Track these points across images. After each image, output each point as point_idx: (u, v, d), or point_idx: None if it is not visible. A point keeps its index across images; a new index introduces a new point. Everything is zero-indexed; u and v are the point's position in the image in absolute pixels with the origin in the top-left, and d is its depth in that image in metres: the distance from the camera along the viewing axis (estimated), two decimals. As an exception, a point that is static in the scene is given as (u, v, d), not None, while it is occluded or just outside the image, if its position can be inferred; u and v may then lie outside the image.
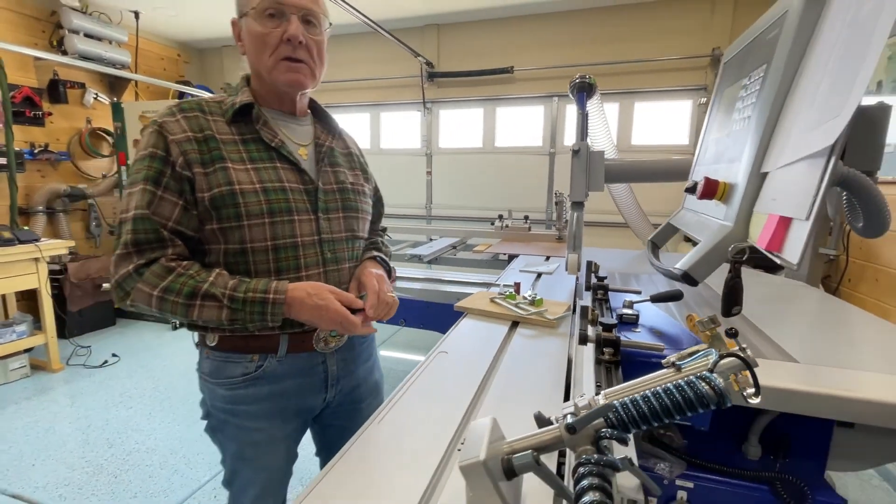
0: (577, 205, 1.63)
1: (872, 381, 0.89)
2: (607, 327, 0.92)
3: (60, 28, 3.72)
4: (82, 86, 4.03)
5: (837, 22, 0.48)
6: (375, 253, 1.02)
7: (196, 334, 0.89)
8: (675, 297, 1.16)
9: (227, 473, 0.91)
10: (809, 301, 1.56)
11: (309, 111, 0.97)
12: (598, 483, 0.45)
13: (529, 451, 0.53)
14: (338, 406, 0.97)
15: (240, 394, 0.85)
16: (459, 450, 0.69)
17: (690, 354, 0.60)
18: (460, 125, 4.36)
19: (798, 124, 0.49)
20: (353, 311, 0.82)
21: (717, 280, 1.96)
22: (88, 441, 2.23)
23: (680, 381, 0.51)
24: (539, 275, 1.94)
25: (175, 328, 3.79)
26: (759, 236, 0.48)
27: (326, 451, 1.06)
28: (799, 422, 1.06)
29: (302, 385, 0.89)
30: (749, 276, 1.99)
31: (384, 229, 1.21)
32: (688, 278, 0.59)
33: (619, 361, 0.86)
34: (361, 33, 4.24)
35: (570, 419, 0.53)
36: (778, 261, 0.46)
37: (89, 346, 3.36)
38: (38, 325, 3.04)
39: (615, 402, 0.52)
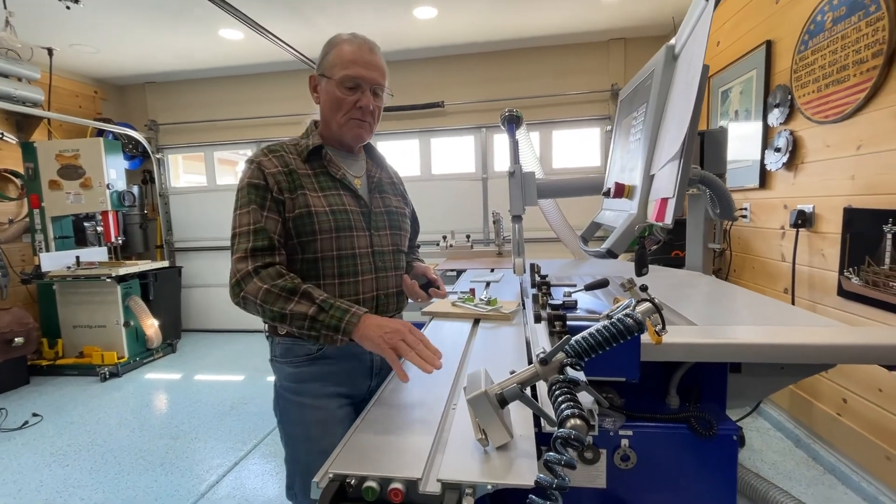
0: (517, 218, 1.88)
1: (750, 332, 1.19)
2: (555, 307, 1.15)
3: (-40, 65, 3.46)
4: (-16, 125, 3.72)
5: (679, 78, 0.75)
6: (420, 261, 1.33)
7: (267, 326, 1.07)
8: (602, 284, 1.43)
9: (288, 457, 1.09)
10: (704, 285, 1.94)
11: (362, 149, 1.18)
12: (569, 393, 0.64)
13: (515, 384, 0.71)
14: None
15: (303, 371, 1.03)
16: (454, 409, 0.86)
17: (617, 307, 0.83)
18: (399, 155, 4.59)
19: (665, 142, 0.75)
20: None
21: (651, 281, 2.28)
22: (21, 505, 2.04)
23: (614, 319, 0.73)
24: (488, 283, 2.17)
25: (104, 379, 3.51)
26: (652, 214, 0.72)
27: None
28: (703, 373, 1.35)
29: (354, 369, 1.05)
30: (659, 270, 2.38)
31: (419, 246, 1.45)
32: (610, 253, 0.83)
33: (567, 332, 1.08)
34: (301, 70, 4.37)
35: (541, 355, 0.73)
36: (660, 226, 0.69)
37: (3, 409, 3.01)
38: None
39: (571, 338, 0.72)
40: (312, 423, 1.03)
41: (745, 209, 2.70)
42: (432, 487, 0.61)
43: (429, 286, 1.20)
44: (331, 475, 0.64)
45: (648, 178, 0.81)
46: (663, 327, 0.74)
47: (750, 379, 1.36)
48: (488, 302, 1.56)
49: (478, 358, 1.10)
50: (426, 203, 4.42)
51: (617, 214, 0.95)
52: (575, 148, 4.35)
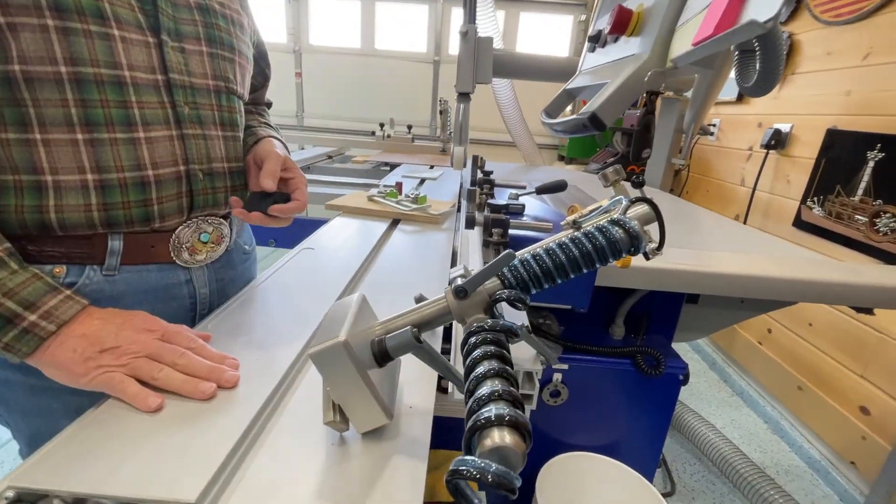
0: (464, 96, 1.48)
1: (718, 258, 0.97)
2: (496, 208, 0.83)
3: None
4: None
5: None
6: (272, 133, 0.74)
7: None
8: (559, 187, 1.12)
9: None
10: (666, 203, 1.72)
11: None
12: (495, 350, 0.34)
13: (408, 327, 0.40)
14: None
15: None
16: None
17: (591, 211, 0.52)
18: (335, 19, 3.78)
19: None
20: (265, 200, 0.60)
21: (595, 187, 2.05)
22: None
23: (590, 228, 0.42)
24: (422, 180, 1.81)
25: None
26: (697, 34, 0.39)
27: None
28: (656, 302, 1.16)
29: (153, 315, 0.55)
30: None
31: (269, 104, 0.88)
32: (595, 121, 0.50)
33: (508, 243, 0.78)
34: None
35: (458, 283, 0.41)
36: (741, 34, 0.35)
37: None
38: None
39: (514, 253, 0.41)
40: (63, 412, 0.52)
41: (714, 125, 2.45)
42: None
43: (271, 200, 0.61)
44: (9, 495, 0.32)
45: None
46: (660, 246, 0.45)
47: (706, 311, 1.18)
48: (415, 200, 1.22)
49: (380, 270, 0.79)
50: (365, 84, 3.78)
51: (603, 72, 0.60)
52: (542, 37, 3.80)
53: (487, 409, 0.27)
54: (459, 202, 1.42)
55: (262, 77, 0.82)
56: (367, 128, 3.43)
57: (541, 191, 1.10)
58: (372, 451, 0.37)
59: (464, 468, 0.24)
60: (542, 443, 1.12)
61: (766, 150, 2.00)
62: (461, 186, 1.68)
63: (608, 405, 1.08)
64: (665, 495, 1.46)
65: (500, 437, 0.25)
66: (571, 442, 1.10)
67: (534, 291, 0.42)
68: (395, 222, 1.14)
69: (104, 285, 0.54)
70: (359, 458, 0.37)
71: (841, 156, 1.65)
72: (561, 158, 3.73)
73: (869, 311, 1.38)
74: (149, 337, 0.45)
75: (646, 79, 0.45)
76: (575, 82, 0.74)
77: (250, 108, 0.80)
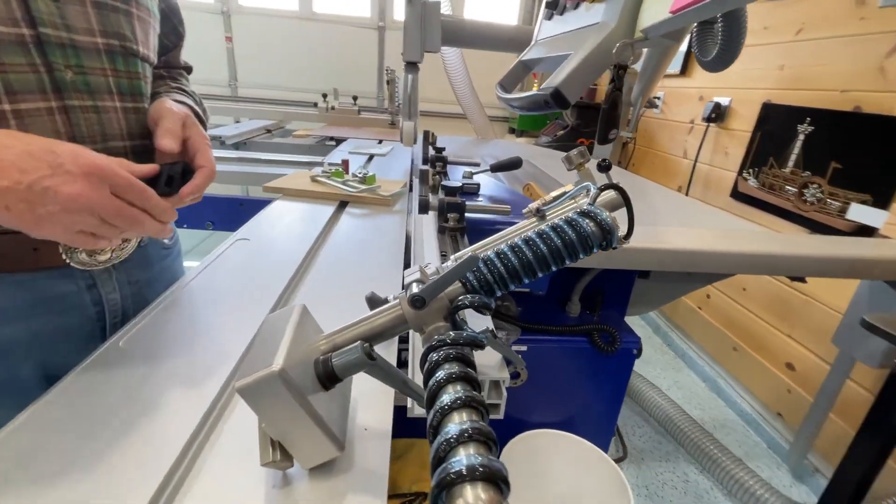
0: (411, 66, 1.38)
1: (669, 235, 0.98)
2: (450, 191, 0.78)
3: None
4: None
5: None
6: (183, 98, 0.61)
7: None
8: (514, 164, 1.09)
9: None
10: (615, 177, 1.74)
11: None
12: (460, 371, 0.29)
13: (358, 342, 0.35)
14: None
15: None
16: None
17: (556, 199, 0.48)
18: (267, -21, 3.45)
19: None
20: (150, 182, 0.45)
21: (548, 162, 2.01)
22: None
23: (557, 221, 0.38)
24: (371, 156, 1.71)
25: None
26: (676, 1, 0.35)
27: None
28: (610, 278, 1.17)
29: (47, 334, 0.47)
30: (560, 156, 2.14)
31: (189, 69, 0.73)
32: (558, 97, 0.46)
33: (465, 228, 0.73)
34: None
35: (415, 288, 0.36)
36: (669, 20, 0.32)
37: None
38: None
39: (479, 255, 0.36)
40: None
41: (659, 98, 2.51)
42: None
43: (182, 174, 0.49)
44: None
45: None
46: (629, 233, 0.42)
47: (657, 285, 1.21)
48: (364, 179, 1.14)
49: (326, 262, 0.72)
50: (305, 51, 3.52)
51: (561, 43, 0.56)
52: (490, 5, 3.69)
53: (457, 458, 0.23)
54: (411, 181, 1.35)
55: (174, 35, 0.68)
56: (309, 98, 3.21)
57: (495, 168, 1.06)
58: (321, 491, 0.32)
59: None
60: (504, 423, 1.12)
61: (706, 124, 2.06)
62: (412, 163, 1.61)
63: (567, 382, 1.09)
64: (618, 461, 1.54)
65: (473, 497, 0.21)
66: (532, 420, 1.11)
67: (499, 293, 0.38)
68: (342, 205, 1.05)
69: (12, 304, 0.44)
70: (306, 501, 0.31)
71: (774, 129, 1.72)
72: (512, 131, 3.70)
73: (802, 280, 1.48)
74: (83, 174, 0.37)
75: (614, 51, 0.41)
76: (531, 53, 0.68)
77: (161, 73, 0.67)
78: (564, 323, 1.07)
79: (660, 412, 1.67)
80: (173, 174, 0.47)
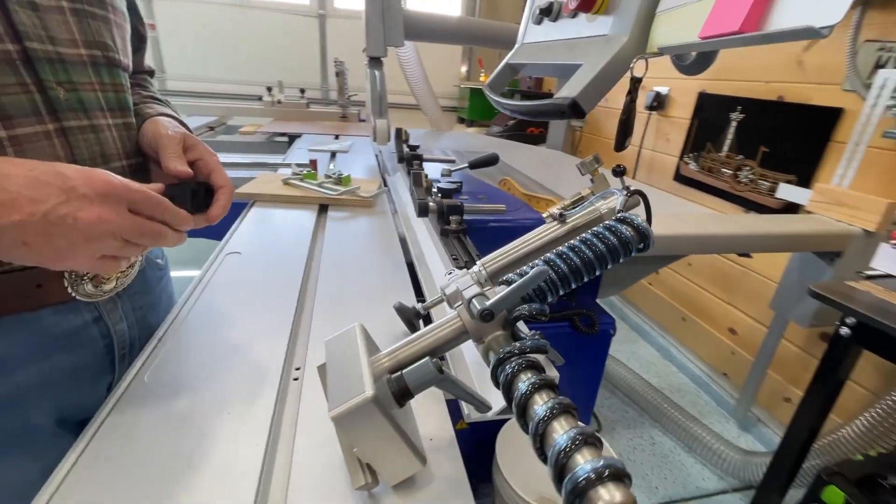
0: (376, 61, 1.37)
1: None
2: (447, 193, 0.79)
3: None
4: None
5: None
6: (163, 109, 0.56)
7: None
8: (492, 160, 1.11)
9: None
10: (570, 163, 1.83)
11: None
12: (540, 381, 0.32)
13: (426, 358, 0.36)
14: None
15: None
16: (296, 380, 0.48)
17: (574, 204, 0.51)
18: (191, -40, 3.18)
19: None
20: None
21: (507, 153, 2.06)
22: None
23: (598, 228, 0.41)
24: (333, 153, 1.67)
25: None
26: (706, 27, 0.38)
27: None
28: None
29: (59, 375, 0.44)
30: (520, 147, 2.20)
31: (151, 72, 0.68)
32: (576, 108, 0.48)
33: (467, 230, 0.75)
34: None
35: (476, 303, 0.38)
36: (786, 36, 0.32)
37: None
38: None
39: (547, 269, 0.38)
40: None
41: (602, 88, 2.63)
42: None
43: (204, 193, 0.47)
44: None
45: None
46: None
47: (623, 269, 1.31)
48: (339, 180, 1.11)
49: (333, 281, 0.70)
50: (242, 41, 3.32)
51: (571, 45, 0.58)
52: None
53: (579, 465, 0.25)
54: (384, 178, 1.34)
55: (136, 37, 0.62)
56: (251, 92, 3.03)
57: (473, 165, 1.08)
58: (407, 498, 0.33)
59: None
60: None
61: (649, 112, 2.21)
62: (378, 159, 1.59)
63: (553, 366, 1.15)
64: (591, 430, 1.65)
65: (609, 497, 0.23)
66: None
67: (550, 300, 0.40)
68: (322, 208, 1.03)
69: (22, 348, 0.40)
70: (398, 513, 0.32)
71: (710, 117, 1.88)
72: (461, 121, 3.73)
73: (748, 256, 1.64)
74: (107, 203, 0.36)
75: (631, 65, 0.44)
76: (519, 56, 0.70)
77: (131, 81, 0.62)
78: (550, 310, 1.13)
79: (624, 383, 1.80)
80: (197, 192, 0.45)
